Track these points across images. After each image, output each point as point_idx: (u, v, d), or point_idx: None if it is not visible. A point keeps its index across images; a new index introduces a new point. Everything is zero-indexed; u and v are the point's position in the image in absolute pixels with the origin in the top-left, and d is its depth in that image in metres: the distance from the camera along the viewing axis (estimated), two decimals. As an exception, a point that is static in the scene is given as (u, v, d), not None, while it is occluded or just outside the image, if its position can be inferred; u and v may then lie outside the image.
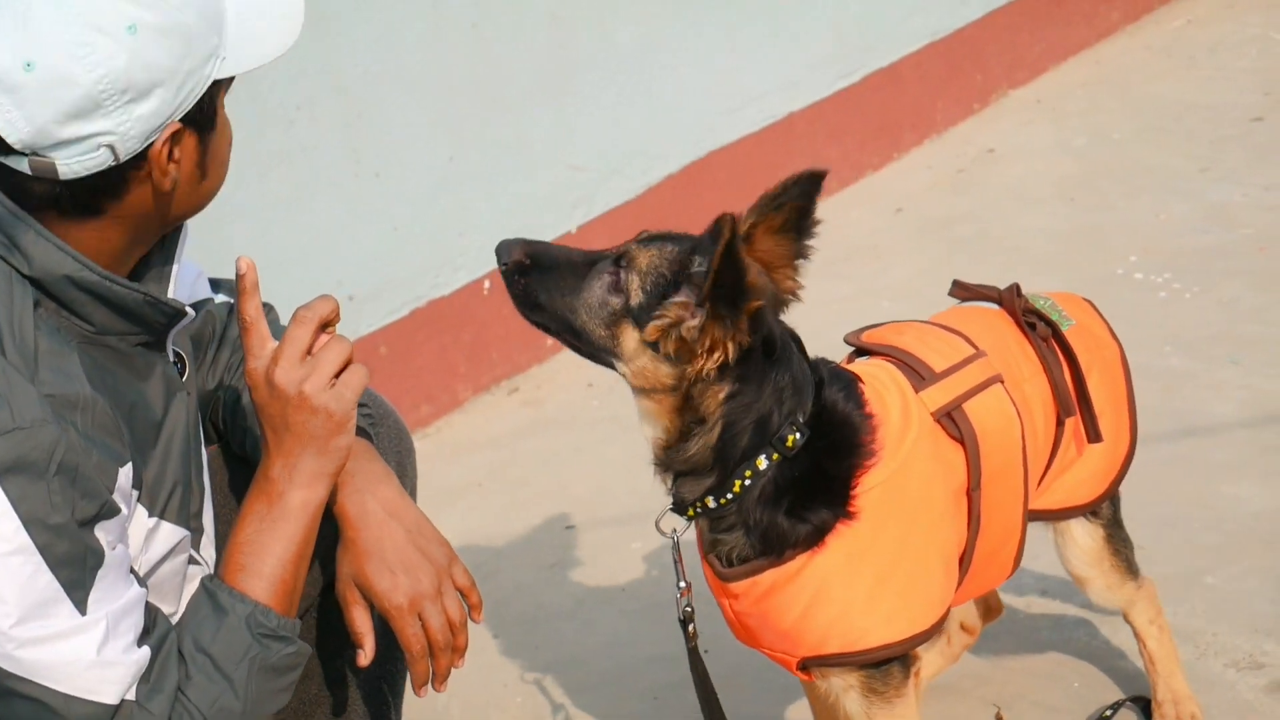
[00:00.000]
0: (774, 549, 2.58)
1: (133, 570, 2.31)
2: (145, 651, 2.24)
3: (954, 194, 5.49)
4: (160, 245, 2.41)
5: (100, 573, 2.20)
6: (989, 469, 2.71)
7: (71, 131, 2.16)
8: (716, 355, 2.46)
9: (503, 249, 2.58)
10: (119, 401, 2.31)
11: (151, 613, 2.30)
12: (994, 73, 6.12)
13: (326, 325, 2.37)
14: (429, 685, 2.49)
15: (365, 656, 2.48)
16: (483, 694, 3.52)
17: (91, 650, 2.19)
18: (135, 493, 2.32)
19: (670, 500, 2.64)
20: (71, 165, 2.19)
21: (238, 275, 2.36)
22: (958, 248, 5.13)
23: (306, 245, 4.31)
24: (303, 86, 4.27)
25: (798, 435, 2.54)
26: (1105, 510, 2.99)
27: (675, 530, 2.67)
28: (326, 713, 2.78)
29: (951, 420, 2.70)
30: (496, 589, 3.83)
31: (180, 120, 2.23)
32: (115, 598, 2.22)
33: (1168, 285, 4.76)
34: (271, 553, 2.33)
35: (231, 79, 2.31)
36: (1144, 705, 3.19)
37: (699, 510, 2.60)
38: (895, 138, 5.79)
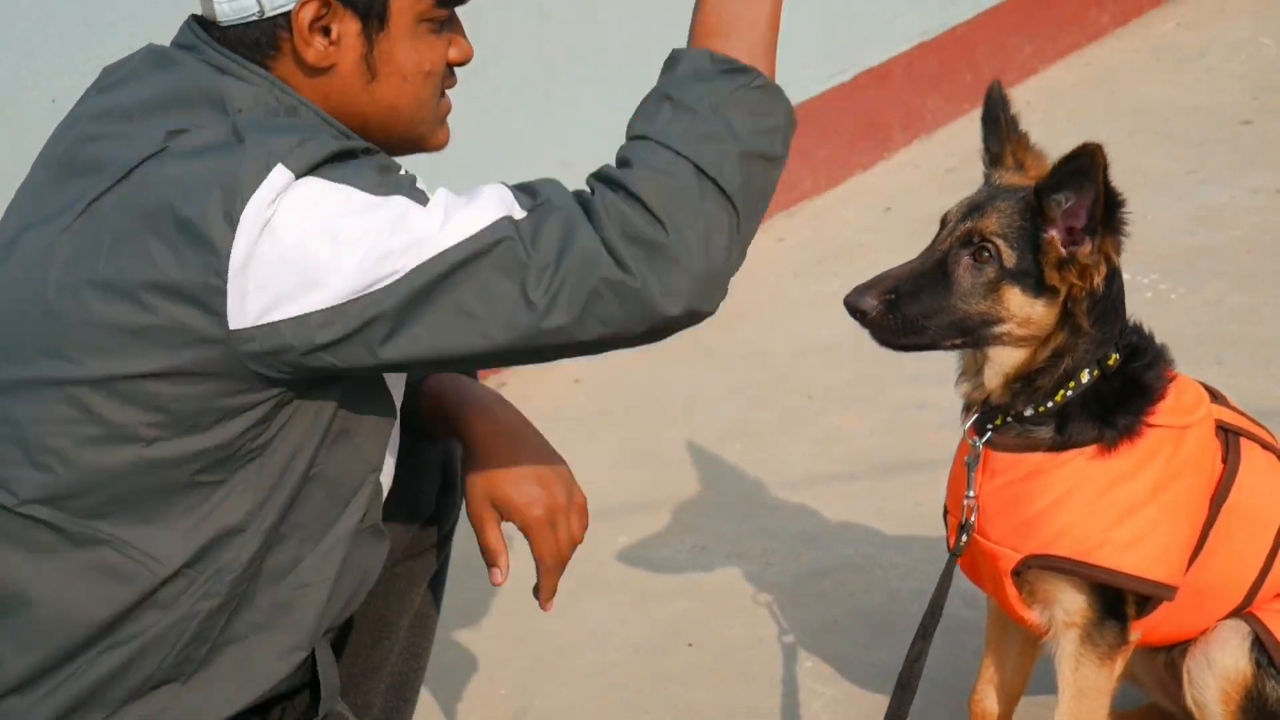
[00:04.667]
0: (1069, 445, 2.71)
1: None
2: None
3: (943, 193, 5.46)
4: None
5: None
6: (1236, 501, 2.77)
7: None
8: (1103, 269, 2.68)
9: (860, 303, 2.71)
10: None
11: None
12: (984, 73, 6.12)
13: None
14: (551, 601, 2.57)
15: (501, 574, 2.54)
16: (468, 684, 3.54)
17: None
18: None
19: (976, 412, 2.78)
20: (223, 7, 2.27)
21: None
22: (946, 247, 5.14)
23: (296, 237, 4.31)
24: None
25: (1118, 354, 2.72)
26: None
27: (977, 440, 2.77)
28: (352, 700, 2.79)
29: (1227, 439, 2.79)
30: (483, 581, 3.83)
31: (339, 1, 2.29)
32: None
33: (1154, 286, 4.78)
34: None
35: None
36: None
37: (1010, 418, 2.74)
38: (885, 137, 5.80)
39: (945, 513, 2.89)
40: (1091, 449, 2.71)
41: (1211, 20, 6.56)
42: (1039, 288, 2.68)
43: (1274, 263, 4.84)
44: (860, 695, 3.35)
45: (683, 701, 3.44)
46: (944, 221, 2.82)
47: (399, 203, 2.18)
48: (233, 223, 2.14)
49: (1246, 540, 2.81)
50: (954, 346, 2.77)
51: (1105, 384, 2.72)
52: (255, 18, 2.28)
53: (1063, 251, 2.69)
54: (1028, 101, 6.09)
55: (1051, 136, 5.79)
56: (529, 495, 2.52)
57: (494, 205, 2.20)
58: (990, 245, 2.71)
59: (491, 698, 3.51)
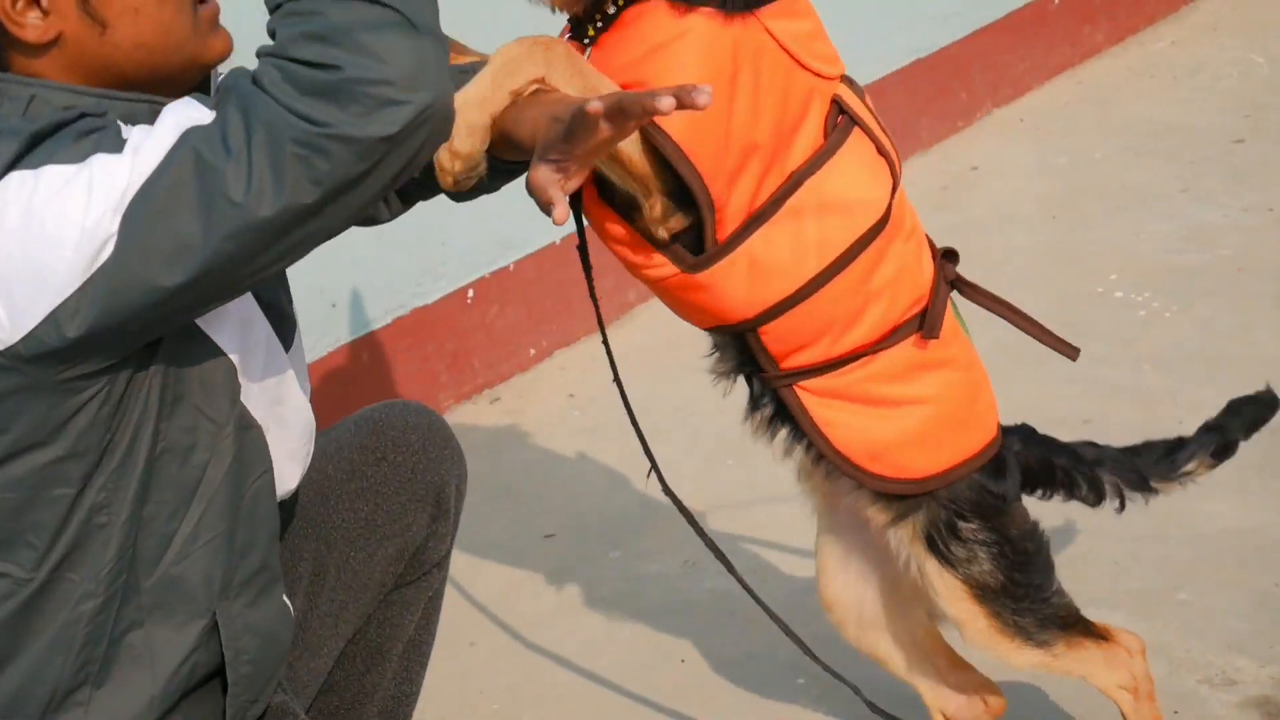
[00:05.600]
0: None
1: None
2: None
3: (937, 211, 5.51)
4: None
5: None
6: (820, 184, 2.62)
7: None
8: None
9: None
10: None
11: None
12: (978, 91, 6.14)
13: None
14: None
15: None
16: (458, 700, 3.53)
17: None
18: None
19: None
20: None
21: None
22: (939, 264, 5.15)
23: (290, 252, 4.31)
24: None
25: None
26: (986, 566, 2.77)
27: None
28: None
29: (839, 117, 2.67)
30: (474, 596, 3.84)
31: None
32: None
33: (1147, 304, 4.79)
34: None
35: None
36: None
37: (602, 22, 2.59)
38: (878, 154, 5.81)
39: None
40: (703, 11, 2.52)
41: (1204, 39, 6.58)
42: None
43: (1266, 281, 4.85)
44: (853, 711, 3.35)
45: (675, 718, 3.44)
46: None
47: (95, 162, 2.09)
48: None
49: (821, 229, 2.62)
50: None
51: None
52: None
53: None
54: (1021, 119, 6.11)
55: (1044, 154, 5.85)
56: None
57: (173, 120, 2.11)
58: None
59: (482, 713, 3.50)
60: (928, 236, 2.85)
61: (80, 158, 2.10)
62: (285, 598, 2.46)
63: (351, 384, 4.42)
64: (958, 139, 6.02)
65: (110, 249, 2.08)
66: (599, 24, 2.58)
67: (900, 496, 2.76)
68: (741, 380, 2.81)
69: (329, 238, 2.16)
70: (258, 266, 2.13)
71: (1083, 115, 6.10)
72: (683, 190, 2.56)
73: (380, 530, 2.72)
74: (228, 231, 2.06)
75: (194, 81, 2.34)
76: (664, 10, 2.54)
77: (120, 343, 2.16)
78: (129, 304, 2.10)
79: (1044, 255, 5.16)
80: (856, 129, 2.68)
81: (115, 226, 2.07)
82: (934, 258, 2.81)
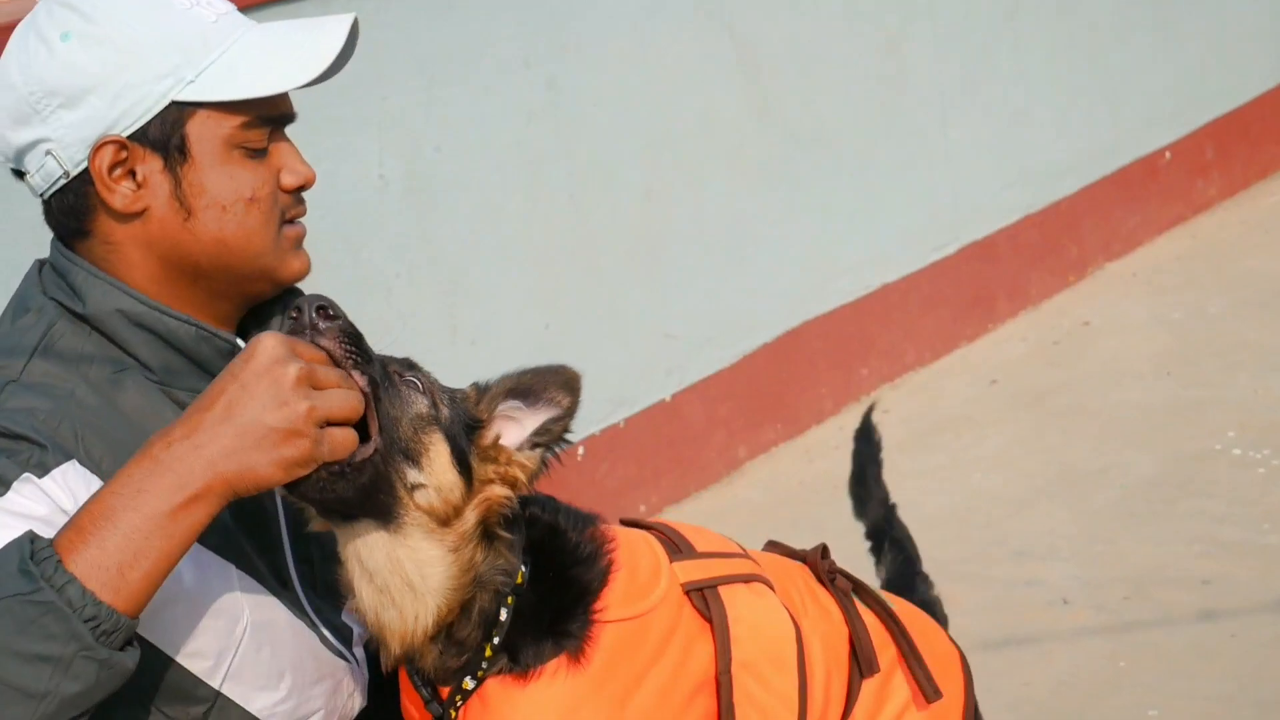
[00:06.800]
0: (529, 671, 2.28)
1: None
2: None
3: (1049, 366, 5.48)
4: (278, 304, 2.36)
5: None
6: (743, 656, 2.37)
7: (23, 137, 2.21)
8: (520, 488, 2.27)
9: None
10: None
11: None
12: (1089, 246, 6.13)
13: None
14: None
15: None
16: None
17: None
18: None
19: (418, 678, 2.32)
20: (35, 178, 2.24)
21: None
22: (1052, 420, 5.11)
23: (403, 411, 4.35)
24: (402, 255, 4.34)
25: (524, 568, 2.29)
26: None
27: None
28: None
29: (704, 599, 2.38)
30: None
31: (132, 139, 2.21)
32: None
33: (1266, 462, 4.71)
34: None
35: (249, 119, 2.24)
36: None
37: (461, 698, 2.31)
38: (990, 309, 5.80)
39: None
40: (553, 665, 2.27)
41: (1320, 192, 6.54)
42: (462, 465, 2.22)
43: (1388, 437, 4.78)
44: None
45: None
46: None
47: None
48: None
49: (777, 685, 2.39)
50: (352, 503, 2.17)
51: (532, 601, 2.28)
52: (64, 180, 2.23)
53: (501, 445, 2.27)
54: (1133, 274, 6.07)
55: (1158, 309, 5.80)
56: None
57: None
58: (427, 381, 2.23)
59: None
60: (777, 544, 2.65)
61: None
62: None
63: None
64: (1069, 294, 5.99)
65: None
66: (458, 700, 2.30)
67: None
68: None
69: None
70: None
71: (1196, 270, 6.05)
72: None
73: None
74: None
75: (264, 294, 2.35)
76: (522, 689, 2.27)
77: None
78: None
79: (1159, 412, 5.10)
80: (720, 589, 2.41)
81: None
82: (816, 570, 2.56)
